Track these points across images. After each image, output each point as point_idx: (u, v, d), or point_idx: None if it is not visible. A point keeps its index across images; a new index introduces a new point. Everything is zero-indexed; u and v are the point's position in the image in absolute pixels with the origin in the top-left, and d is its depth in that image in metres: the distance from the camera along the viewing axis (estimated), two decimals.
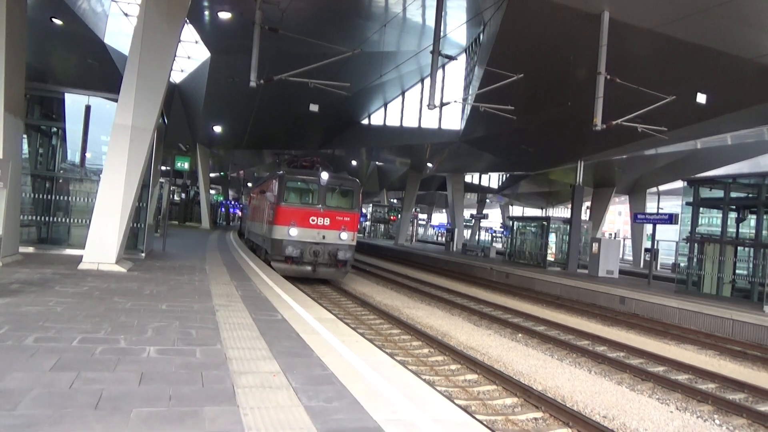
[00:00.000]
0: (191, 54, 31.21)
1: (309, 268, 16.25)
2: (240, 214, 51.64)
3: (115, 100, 12.06)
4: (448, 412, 4.39)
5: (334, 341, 6.52)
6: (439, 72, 31.66)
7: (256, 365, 5.18)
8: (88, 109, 14.47)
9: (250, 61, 13.69)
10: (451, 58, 17.39)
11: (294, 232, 16.01)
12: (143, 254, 14.68)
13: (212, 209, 50.68)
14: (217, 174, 62.46)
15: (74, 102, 14.60)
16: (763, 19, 13.58)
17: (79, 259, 11.57)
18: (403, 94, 38.79)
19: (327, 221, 16.38)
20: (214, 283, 10.83)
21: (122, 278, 10.41)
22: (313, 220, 16.25)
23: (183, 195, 51.86)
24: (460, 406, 5.43)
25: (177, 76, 33.08)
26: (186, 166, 20.55)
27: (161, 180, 20.49)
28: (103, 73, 26.86)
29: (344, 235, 16.54)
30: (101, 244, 11.42)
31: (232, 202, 69.46)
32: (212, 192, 58.14)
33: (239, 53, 20.91)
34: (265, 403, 4.14)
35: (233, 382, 4.58)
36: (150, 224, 15.55)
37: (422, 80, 36.37)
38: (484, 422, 6.16)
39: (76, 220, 14.30)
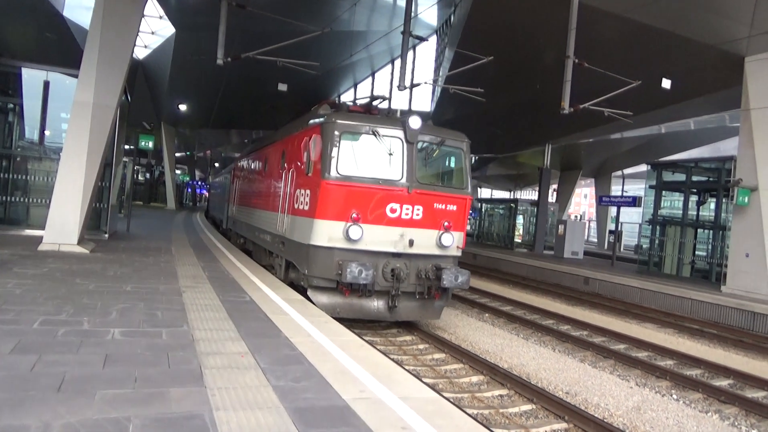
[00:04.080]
0: (155, 29, 30.35)
1: (380, 303, 9.29)
2: (207, 194, 50.76)
3: (76, 76, 11.66)
4: (416, 390, 4.45)
5: (303, 322, 6.51)
6: (410, 53, 31.53)
7: (223, 346, 5.14)
8: (46, 84, 13.96)
9: (216, 38, 13.35)
10: (421, 39, 17.29)
11: (356, 233, 8.71)
12: (106, 235, 14.35)
13: (178, 189, 49.79)
14: (183, 153, 61.26)
15: (32, 77, 14.06)
16: (727, 6, 13.89)
17: (39, 239, 11.23)
18: (373, 74, 38.58)
19: (419, 212, 9.08)
20: (181, 264, 10.67)
21: (84, 259, 10.16)
22: (393, 211, 8.95)
23: (148, 175, 50.77)
24: (427, 384, 5.50)
25: (140, 52, 32.13)
26: (150, 145, 19.92)
27: (125, 159, 20.00)
28: (62, 47, 25.89)
29: (447, 239, 9.30)
30: (62, 224, 11.11)
31: (199, 183, 68.35)
32: (178, 172, 57.04)
33: (205, 30, 20.42)
34: (232, 384, 4.12)
35: (200, 363, 4.54)
36: (113, 204, 15.19)
37: (392, 61, 36.21)
38: (451, 399, 6.26)
39: (35, 200, 13.87)
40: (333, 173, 8.80)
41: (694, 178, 19.85)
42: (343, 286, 8.92)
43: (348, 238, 8.73)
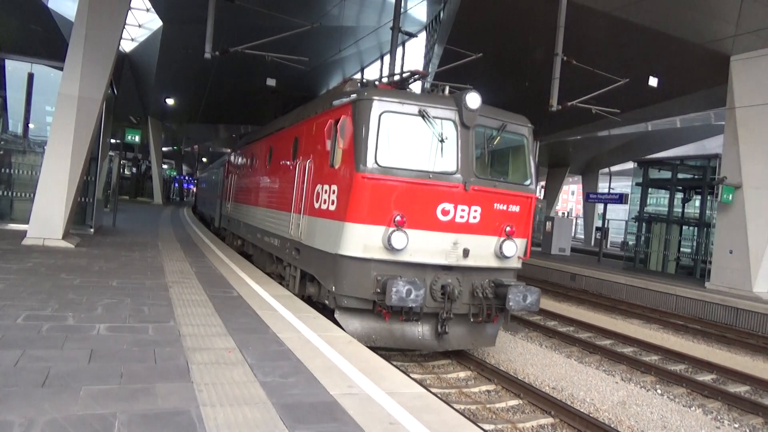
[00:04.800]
0: (142, 22, 30.04)
1: (425, 329, 7.61)
2: (195, 190, 50.39)
3: (61, 69, 11.50)
4: (404, 386, 4.45)
5: (291, 318, 6.49)
6: (399, 49, 31.49)
7: (210, 342, 5.11)
8: (31, 77, 13.77)
9: (204, 31, 13.23)
10: (411, 35, 17.29)
11: (401, 240, 7.05)
12: (92, 230, 14.21)
13: (165, 184, 49.45)
14: (170, 148, 60.78)
15: (16, 69, 13.87)
16: (713, 5, 14.01)
17: (23, 234, 11.09)
18: (362, 70, 38.43)
19: (476, 214, 7.41)
20: (167, 260, 10.59)
21: (69, 254, 10.05)
22: (445, 213, 7.26)
23: (134, 169, 50.37)
24: (415, 380, 5.52)
25: (127, 45, 31.78)
26: (137, 139, 19.72)
27: (111, 153, 19.80)
28: (47, 39, 25.52)
29: (510, 248, 7.62)
30: (47, 218, 10.97)
31: (186, 177, 67.93)
32: (165, 167, 56.61)
33: (193, 23, 20.19)
34: (220, 379, 4.10)
35: (187, 359, 4.51)
36: (99, 199, 15.01)
37: (382, 57, 36.07)
38: (439, 395, 6.29)
39: (19, 194, 13.68)
40: (371, 164, 7.04)
41: (680, 176, 20.05)
42: (382, 308, 7.18)
43: (390, 248, 6.99)
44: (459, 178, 7.25)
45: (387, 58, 25.11)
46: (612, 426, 6.39)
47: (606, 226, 27.92)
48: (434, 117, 7.35)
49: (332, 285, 7.42)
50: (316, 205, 8.19)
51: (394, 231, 6.98)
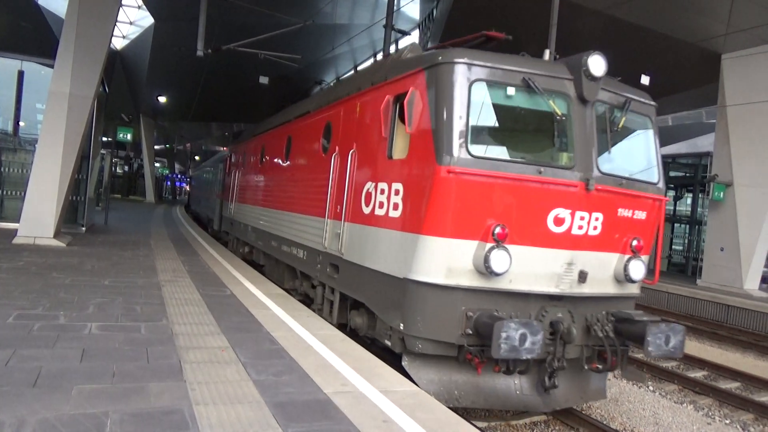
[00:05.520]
0: (133, 19, 29.87)
1: (523, 381, 5.62)
2: (189, 188, 50.20)
3: (51, 66, 11.41)
4: (398, 384, 4.45)
5: (285, 316, 6.48)
6: (392, 47, 31.46)
7: (203, 340, 5.09)
8: (21, 74, 13.67)
9: (196, 29, 13.18)
10: (404, 33, 17.23)
11: (502, 261, 5.02)
12: (84, 228, 14.13)
13: (157, 182, 49.25)
14: (163, 146, 60.54)
15: (5, 66, 13.76)
16: (705, 4, 14.09)
17: (14, 233, 11.01)
18: (355, 68, 38.40)
19: (596, 224, 5.37)
20: (160, 258, 10.55)
21: (61, 253, 9.99)
22: (558, 222, 5.21)
23: (126, 167, 50.15)
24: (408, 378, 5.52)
25: (118, 43, 31.60)
26: (129, 137, 19.60)
27: (102, 151, 19.69)
28: (37, 36, 25.34)
29: (637, 269, 5.78)
30: (38, 217, 10.90)
31: (179, 176, 67.68)
32: (157, 165, 56.37)
33: (185, 20, 20.13)
34: (213, 378, 4.08)
35: (180, 358, 4.49)
36: (91, 197, 14.93)
37: (375, 55, 36.06)
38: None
39: (9, 192, 13.58)
40: (459, 154, 5.05)
41: (672, 174, 20.19)
42: (474, 357, 5.17)
43: (487, 271, 5.02)
44: (578, 174, 5.25)
45: (380, 56, 25.12)
46: (604, 423, 6.42)
47: None
48: (544, 89, 5.34)
49: (399, 322, 5.43)
50: (366, 210, 6.26)
51: (493, 248, 5.01)
